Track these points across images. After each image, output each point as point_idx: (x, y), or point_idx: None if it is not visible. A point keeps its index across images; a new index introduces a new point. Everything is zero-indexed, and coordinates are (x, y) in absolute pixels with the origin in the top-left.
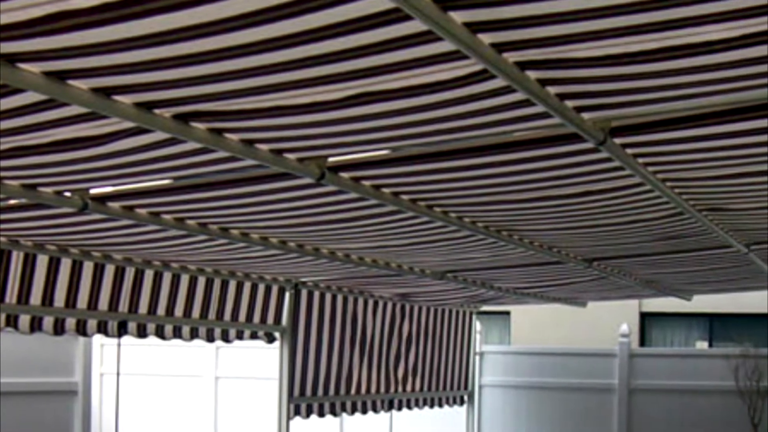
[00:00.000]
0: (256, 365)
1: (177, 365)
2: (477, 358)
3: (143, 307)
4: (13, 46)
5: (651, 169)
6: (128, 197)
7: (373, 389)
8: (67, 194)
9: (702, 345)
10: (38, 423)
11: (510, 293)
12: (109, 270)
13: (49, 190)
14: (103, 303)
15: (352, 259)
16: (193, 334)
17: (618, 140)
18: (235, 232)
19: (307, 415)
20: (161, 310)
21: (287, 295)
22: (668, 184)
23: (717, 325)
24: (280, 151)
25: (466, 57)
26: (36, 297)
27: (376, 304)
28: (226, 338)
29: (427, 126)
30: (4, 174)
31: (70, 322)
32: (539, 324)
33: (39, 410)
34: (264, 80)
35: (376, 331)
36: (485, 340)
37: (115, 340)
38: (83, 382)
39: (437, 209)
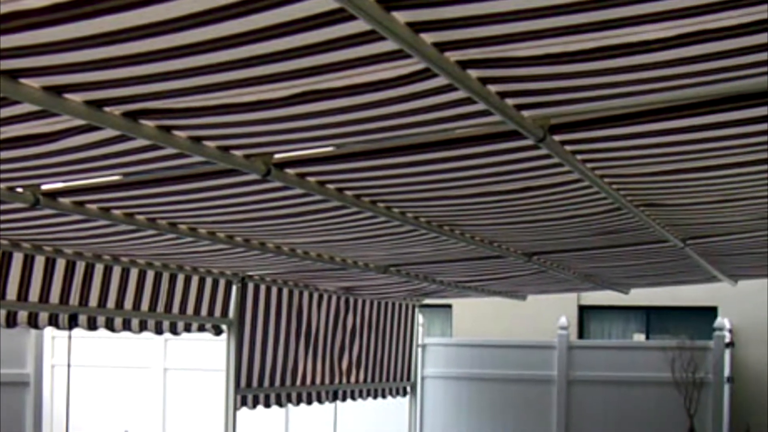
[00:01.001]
0: (204, 357)
1: (126, 357)
2: (419, 350)
3: (93, 300)
4: None
5: (589, 165)
6: (79, 193)
7: (318, 380)
8: (19, 190)
9: (639, 337)
10: None
11: (452, 287)
12: (60, 264)
13: (1, 186)
14: (55, 296)
15: (297, 253)
16: (142, 327)
17: (557, 137)
18: (183, 227)
19: (254, 406)
20: (111, 303)
21: (234, 288)
22: (606, 180)
23: (654, 317)
24: (227, 148)
25: (408, 56)
26: None
27: (321, 297)
28: (174, 331)
29: (370, 123)
30: None
31: (22, 315)
32: (480, 317)
33: None
34: (211, 79)
35: (321, 323)
36: (427, 333)
37: (66, 333)
38: (35, 373)
39: (381, 205)
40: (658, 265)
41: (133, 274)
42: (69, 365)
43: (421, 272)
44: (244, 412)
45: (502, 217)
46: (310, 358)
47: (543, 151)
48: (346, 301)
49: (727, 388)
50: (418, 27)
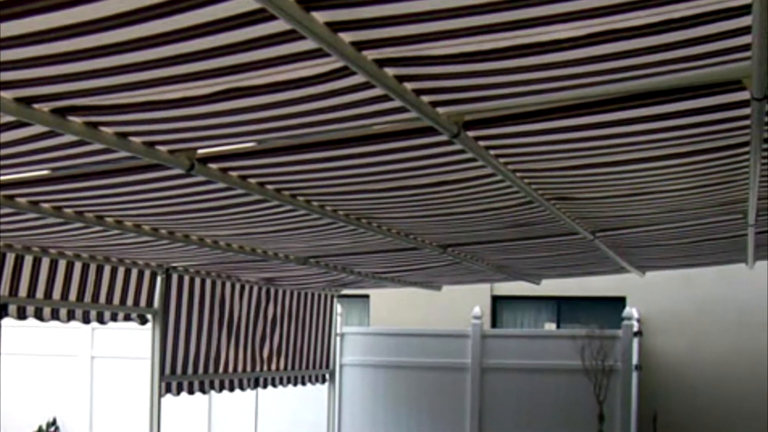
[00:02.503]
0: (130, 345)
1: (55, 345)
2: (338, 338)
3: (23, 291)
4: None
5: (502, 160)
6: (8, 187)
7: (240, 368)
8: None
9: (550, 326)
10: None
11: (369, 277)
12: None
13: None
14: None
15: (220, 245)
16: (70, 316)
17: (471, 133)
18: (109, 219)
19: (178, 393)
20: (40, 294)
21: (159, 279)
22: (518, 174)
23: (564, 307)
24: (152, 144)
25: (327, 54)
26: None
27: (242, 287)
28: (101, 320)
29: (291, 120)
30: None
31: None
32: (397, 307)
33: None
34: (137, 77)
35: (243, 313)
36: (345, 322)
37: None
38: None
39: (300, 198)
40: (568, 256)
41: (62, 265)
42: None
43: (339, 263)
44: (168, 399)
45: (418, 210)
46: (232, 347)
47: (457, 147)
48: (267, 292)
49: (635, 375)
50: (336, 26)
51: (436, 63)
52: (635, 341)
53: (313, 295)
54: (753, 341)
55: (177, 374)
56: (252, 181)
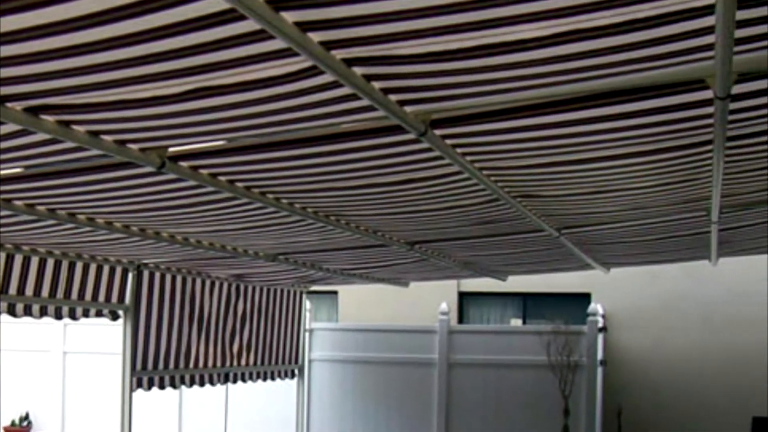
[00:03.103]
0: (102, 341)
1: (27, 341)
2: (307, 334)
3: None
4: None
5: (469, 158)
6: None
7: (210, 363)
8: None
9: (516, 322)
10: None
11: (338, 274)
12: None
13: None
14: None
15: (190, 242)
16: (43, 312)
17: (438, 131)
18: (81, 217)
19: (149, 388)
20: (13, 290)
21: (130, 275)
22: (485, 172)
23: (530, 303)
24: (123, 142)
25: (296, 54)
26: None
27: (213, 284)
28: (73, 316)
29: (260, 118)
30: None
31: None
32: (365, 303)
33: None
34: (108, 76)
35: (213, 309)
36: (314, 318)
37: None
38: None
39: (270, 196)
40: (534, 253)
41: (34, 261)
42: None
43: (308, 260)
44: (140, 394)
45: (386, 207)
46: (202, 342)
47: (424, 145)
48: (237, 288)
49: (600, 370)
50: (305, 26)
51: (403, 62)
52: (600, 337)
53: (282, 291)
54: (717, 337)
55: (148, 369)
56: (222, 178)
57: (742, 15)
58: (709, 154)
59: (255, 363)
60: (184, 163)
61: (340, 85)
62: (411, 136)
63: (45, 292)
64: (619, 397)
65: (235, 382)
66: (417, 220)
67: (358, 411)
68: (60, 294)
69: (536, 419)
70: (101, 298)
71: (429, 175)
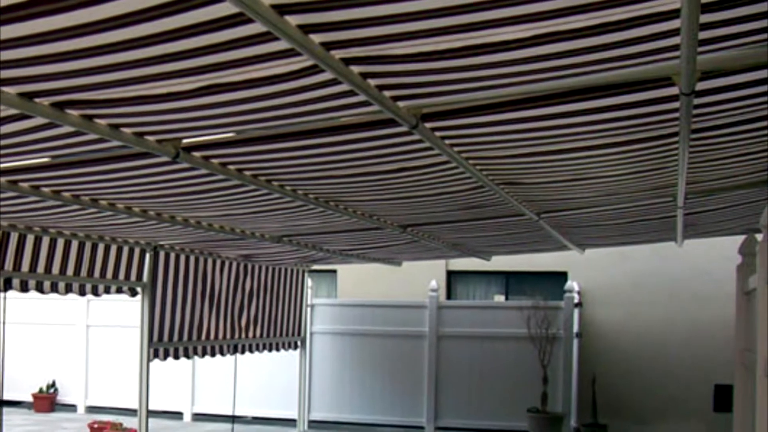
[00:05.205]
0: (122, 315)
1: (54, 315)
2: (308, 309)
3: (25, 266)
4: None
5: (456, 149)
6: (12, 173)
7: (221, 336)
8: None
9: (499, 298)
10: None
11: (337, 254)
12: None
13: None
14: None
15: (202, 225)
16: (68, 289)
17: (428, 125)
18: (103, 202)
19: (165, 358)
20: (41, 269)
21: (147, 255)
22: (471, 161)
23: (512, 281)
24: (141, 134)
25: (299, 54)
26: None
27: (223, 263)
28: (95, 292)
29: (266, 112)
30: None
31: None
32: (361, 280)
33: None
34: (128, 74)
35: (223, 286)
36: (315, 294)
37: (0, 294)
38: None
39: (275, 183)
40: (516, 235)
41: (60, 243)
42: (4, 323)
43: (310, 242)
44: (156, 363)
45: (381, 193)
46: (213, 317)
47: (416, 137)
48: (245, 267)
49: (575, 342)
50: (307, 29)
51: (397, 61)
52: (576, 312)
53: (286, 270)
54: (682, 311)
55: (164, 341)
56: (231, 167)
57: (705, 18)
58: (675, 145)
59: (261, 335)
60: (196, 154)
61: (339, 83)
62: (403, 128)
63: (70, 270)
64: (594, 366)
65: (243, 352)
66: (409, 205)
67: (356, 379)
68: (84, 272)
69: (518, 386)
70: (121, 276)
71: (420, 164)
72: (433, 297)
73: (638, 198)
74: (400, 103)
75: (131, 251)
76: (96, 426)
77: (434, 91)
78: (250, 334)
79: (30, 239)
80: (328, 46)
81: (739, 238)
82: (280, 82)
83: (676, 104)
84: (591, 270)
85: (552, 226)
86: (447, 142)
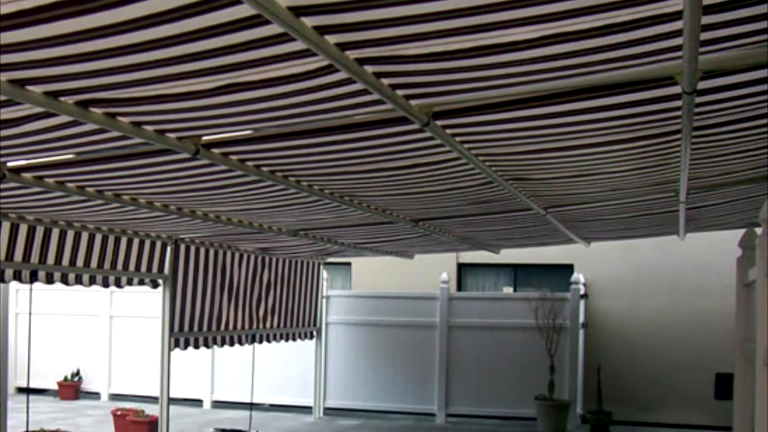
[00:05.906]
0: (144, 306)
1: (78, 306)
2: (324, 300)
3: (51, 259)
4: None
5: (466, 146)
6: (39, 169)
7: (239, 326)
8: None
9: (508, 290)
10: None
11: (351, 247)
12: (23, 228)
13: None
14: (18, 255)
15: (221, 219)
16: (92, 281)
17: (439, 122)
18: (126, 197)
19: (185, 347)
20: (65, 261)
21: (168, 249)
22: (480, 158)
23: (520, 273)
24: (162, 132)
25: (315, 54)
26: None
27: (241, 256)
28: (118, 284)
29: (283, 111)
30: None
31: None
32: (375, 273)
33: None
34: (150, 73)
35: (242, 278)
36: (330, 286)
37: (27, 286)
38: (1, 320)
39: (291, 179)
40: (523, 229)
41: (84, 236)
42: (30, 313)
43: (325, 235)
44: (177, 353)
45: (394, 189)
46: (232, 308)
47: (427, 134)
48: (263, 260)
49: (581, 332)
50: (323, 30)
51: (409, 61)
52: (582, 303)
53: (302, 262)
54: (683, 302)
55: (184, 331)
56: (249, 164)
57: (706, 20)
58: (678, 142)
59: (278, 326)
60: (216, 150)
61: (353, 82)
62: (415, 126)
63: (94, 263)
64: (599, 356)
65: (260, 342)
66: (421, 200)
67: (369, 368)
68: (107, 265)
69: (525, 375)
70: (143, 268)
71: (431, 161)
72: (444, 289)
73: (642, 193)
74: (413, 102)
75: (153, 244)
76: (119, 413)
77: (445, 90)
78: (268, 325)
79: (55, 233)
80: (343, 46)
81: (739, 232)
82: (297, 82)
83: (678, 103)
84: (596, 262)
85: (558, 220)
86: (457, 139)
